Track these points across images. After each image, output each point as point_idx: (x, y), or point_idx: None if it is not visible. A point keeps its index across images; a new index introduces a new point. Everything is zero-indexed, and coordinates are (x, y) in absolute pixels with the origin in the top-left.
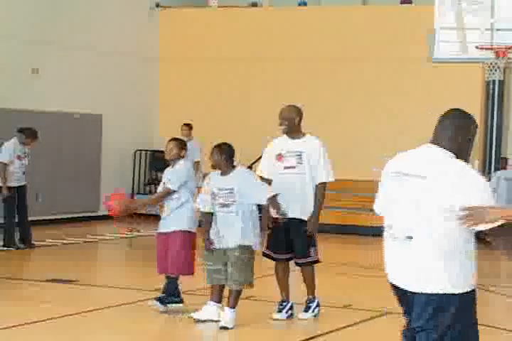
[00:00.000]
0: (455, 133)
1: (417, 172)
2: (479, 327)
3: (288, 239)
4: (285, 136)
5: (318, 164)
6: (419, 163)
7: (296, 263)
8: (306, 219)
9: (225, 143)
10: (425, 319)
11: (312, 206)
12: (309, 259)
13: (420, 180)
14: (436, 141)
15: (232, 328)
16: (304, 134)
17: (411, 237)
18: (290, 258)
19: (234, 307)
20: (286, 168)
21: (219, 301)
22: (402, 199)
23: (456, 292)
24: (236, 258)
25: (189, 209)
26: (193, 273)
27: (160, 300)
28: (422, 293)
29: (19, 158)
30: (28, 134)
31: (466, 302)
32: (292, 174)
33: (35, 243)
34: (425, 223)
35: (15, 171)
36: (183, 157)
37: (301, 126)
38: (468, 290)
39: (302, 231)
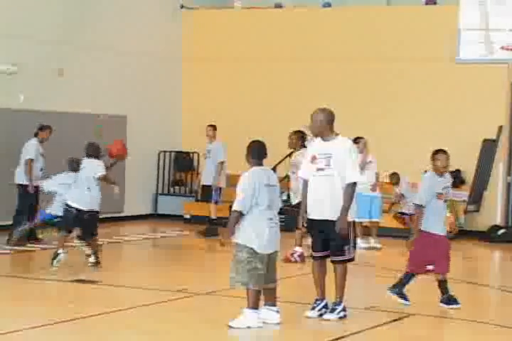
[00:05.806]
0: None
1: None
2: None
3: (324, 239)
4: (320, 138)
5: (346, 165)
6: None
7: (332, 261)
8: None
9: (255, 141)
10: None
11: None
12: (341, 258)
13: None
14: None
15: (245, 328)
16: (336, 135)
17: None
18: (326, 257)
19: (248, 308)
20: (318, 169)
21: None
22: None
23: None
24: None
25: None
26: None
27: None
28: None
29: (42, 156)
30: (45, 128)
31: None
32: (322, 176)
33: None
34: None
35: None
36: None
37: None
38: None
39: (335, 232)
